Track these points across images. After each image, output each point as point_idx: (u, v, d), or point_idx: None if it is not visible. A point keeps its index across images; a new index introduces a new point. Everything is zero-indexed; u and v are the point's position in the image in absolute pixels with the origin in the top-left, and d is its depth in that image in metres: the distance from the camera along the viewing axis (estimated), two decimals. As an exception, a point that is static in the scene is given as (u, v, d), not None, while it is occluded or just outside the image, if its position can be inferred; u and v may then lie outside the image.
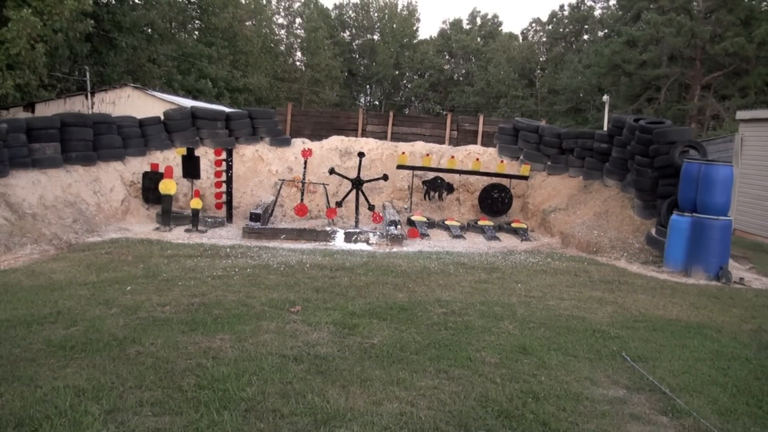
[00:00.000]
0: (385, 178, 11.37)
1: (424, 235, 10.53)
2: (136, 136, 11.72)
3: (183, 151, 10.86)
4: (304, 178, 11.82)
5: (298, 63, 50.37)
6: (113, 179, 10.80)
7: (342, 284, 6.38)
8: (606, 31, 45.76)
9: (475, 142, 15.11)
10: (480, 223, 11.52)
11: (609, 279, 7.37)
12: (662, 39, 32.24)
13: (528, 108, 47.70)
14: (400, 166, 12.43)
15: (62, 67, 22.26)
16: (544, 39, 55.20)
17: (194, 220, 10.21)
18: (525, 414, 3.51)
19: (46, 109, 19.01)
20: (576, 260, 8.57)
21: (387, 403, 3.55)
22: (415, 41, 57.16)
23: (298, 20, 52.22)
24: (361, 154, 11.30)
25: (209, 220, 10.61)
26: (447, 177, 12.61)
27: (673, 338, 5.14)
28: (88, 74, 22.40)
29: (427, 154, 12.88)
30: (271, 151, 12.98)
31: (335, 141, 13.66)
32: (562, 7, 54.13)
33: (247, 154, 12.73)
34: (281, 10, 52.11)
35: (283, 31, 51.82)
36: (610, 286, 6.99)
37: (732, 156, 12.90)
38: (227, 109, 15.09)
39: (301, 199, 11.74)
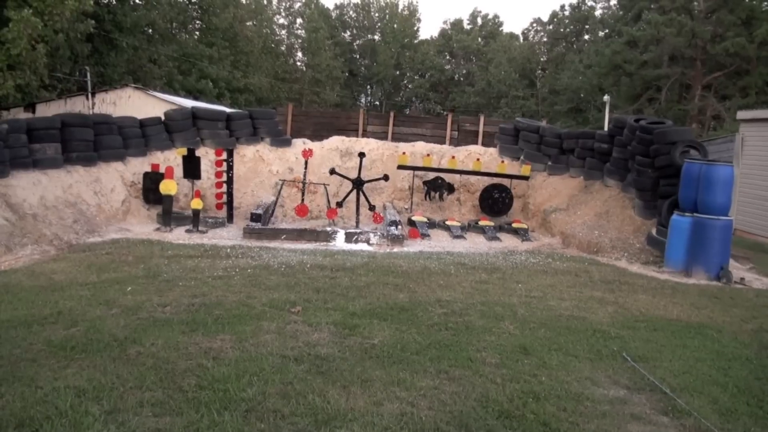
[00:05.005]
0: (386, 178, 11.37)
1: (424, 236, 10.52)
2: (137, 136, 11.72)
3: (184, 151, 10.86)
4: (304, 179, 11.82)
5: (298, 63, 50.44)
6: (114, 180, 10.81)
7: (343, 285, 6.38)
8: (607, 31, 45.75)
9: (476, 143, 15.11)
10: (481, 223, 11.51)
11: (609, 279, 7.36)
12: (663, 39, 32.22)
13: (529, 108, 47.70)
14: (400, 167, 12.43)
15: (63, 68, 22.25)
16: (545, 39, 55.21)
17: (195, 220, 10.21)
18: (525, 414, 3.51)
19: (47, 110, 19.00)
20: (577, 260, 8.57)
21: (387, 404, 3.55)
22: (415, 41, 57.17)
23: (299, 20, 52.30)
24: (361, 155, 11.29)
25: (210, 220, 10.61)
26: (448, 177, 12.61)
27: (674, 338, 5.13)
28: (88, 75, 22.40)
29: (428, 155, 12.87)
30: (271, 151, 12.98)
31: (336, 141, 13.66)
32: (562, 7, 54.17)
33: (247, 154, 12.73)
34: (282, 10, 52.21)
35: (283, 32, 51.93)
36: (611, 287, 6.98)
37: (733, 156, 12.89)
38: (228, 110, 15.10)
39: (302, 200, 11.74)
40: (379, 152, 13.33)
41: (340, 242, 9.69)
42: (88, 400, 3.39)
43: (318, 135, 14.83)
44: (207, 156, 11.89)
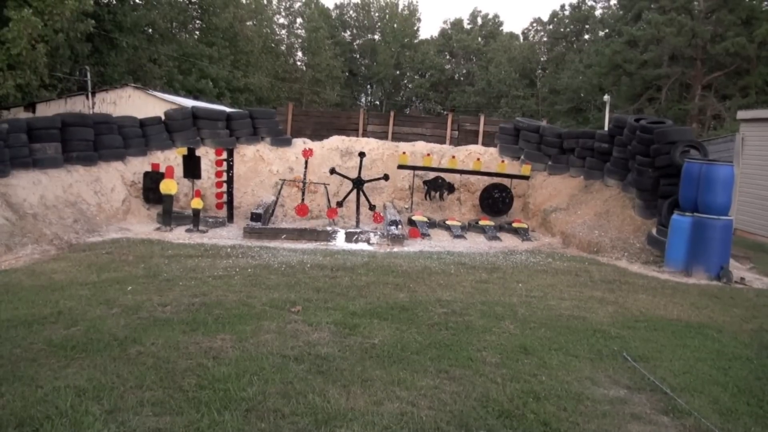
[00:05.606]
0: (386, 178, 11.37)
1: (424, 235, 10.52)
2: (137, 136, 11.72)
3: (184, 151, 10.85)
4: (304, 178, 11.82)
5: (298, 63, 50.42)
6: (114, 179, 10.81)
7: (343, 284, 6.38)
8: (607, 30, 45.76)
9: (476, 142, 15.10)
10: (481, 223, 11.51)
11: (610, 279, 7.36)
12: (663, 39, 32.22)
13: (529, 108, 47.71)
14: (400, 166, 12.42)
15: (63, 67, 22.25)
16: (545, 39, 55.21)
17: (195, 220, 10.21)
18: (526, 414, 3.51)
19: (47, 109, 19.01)
20: (577, 260, 8.57)
21: (388, 403, 3.55)
22: (416, 41, 57.17)
23: (299, 20, 52.30)
24: (361, 154, 11.29)
25: (210, 220, 10.61)
26: (448, 177, 12.60)
27: (674, 338, 5.13)
28: (88, 74, 22.39)
29: (428, 154, 12.87)
30: (272, 151, 12.98)
31: (336, 141, 13.66)
32: (562, 6, 54.13)
33: (248, 154, 12.73)
34: (282, 10, 52.19)
35: (283, 31, 51.92)
36: (611, 286, 6.98)
37: (733, 156, 12.88)
38: (228, 109, 15.10)
39: (302, 199, 11.74)
40: (379, 152, 13.33)
41: (340, 242, 9.68)
42: (89, 400, 3.39)
43: (318, 135, 14.83)
44: (207, 155, 11.89)
